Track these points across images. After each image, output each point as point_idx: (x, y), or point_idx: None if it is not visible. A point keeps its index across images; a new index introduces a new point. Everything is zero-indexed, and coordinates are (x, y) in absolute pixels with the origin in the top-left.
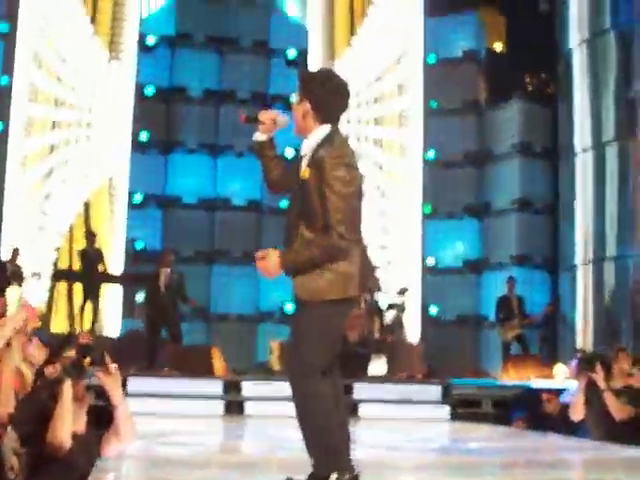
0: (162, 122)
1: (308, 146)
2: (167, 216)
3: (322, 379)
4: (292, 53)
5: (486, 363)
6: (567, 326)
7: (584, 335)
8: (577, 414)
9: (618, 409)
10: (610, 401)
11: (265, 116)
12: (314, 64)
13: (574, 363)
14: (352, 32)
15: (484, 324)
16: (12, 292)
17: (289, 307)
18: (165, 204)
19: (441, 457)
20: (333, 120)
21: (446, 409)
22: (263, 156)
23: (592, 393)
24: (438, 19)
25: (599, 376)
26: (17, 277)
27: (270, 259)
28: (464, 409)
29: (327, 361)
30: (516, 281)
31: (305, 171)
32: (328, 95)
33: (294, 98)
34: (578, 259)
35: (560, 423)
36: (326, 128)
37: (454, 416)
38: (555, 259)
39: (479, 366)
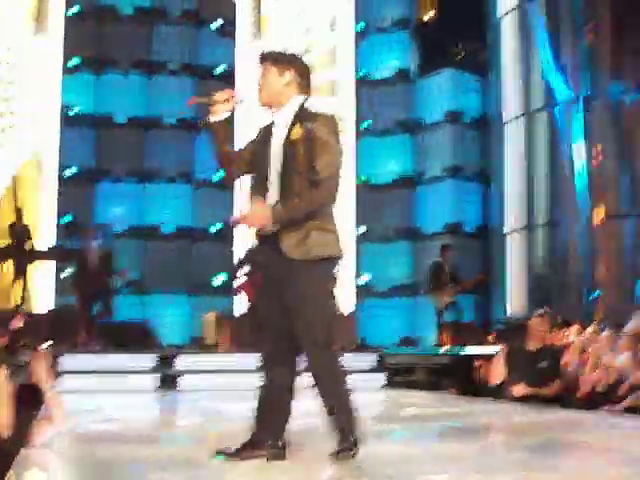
0: (91, 93)
1: (288, 112)
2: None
3: None
4: (221, 23)
5: (420, 331)
6: (499, 293)
7: (517, 300)
8: (496, 378)
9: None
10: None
11: (221, 96)
12: (242, 34)
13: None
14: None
15: (418, 292)
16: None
17: (219, 279)
18: (96, 178)
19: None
20: (308, 91)
21: (381, 377)
22: (219, 136)
23: (512, 359)
24: None
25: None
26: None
27: (258, 211)
28: (399, 377)
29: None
30: (449, 249)
31: (296, 132)
32: (308, 67)
33: (262, 68)
34: (509, 226)
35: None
36: (301, 98)
37: (389, 384)
38: (486, 226)
39: (413, 334)
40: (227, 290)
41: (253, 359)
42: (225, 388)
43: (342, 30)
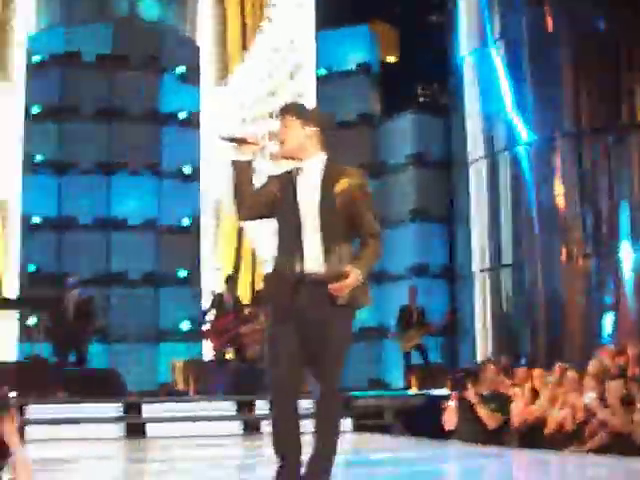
0: (55, 142)
1: (315, 164)
2: (62, 238)
3: None
4: (184, 70)
5: (388, 374)
6: (466, 334)
7: (484, 341)
8: (450, 424)
9: (489, 418)
10: (481, 412)
11: (253, 137)
12: (206, 80)
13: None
14: (245, 47)
15: (385, 335)
16: None
17: (185, 325)
18: (60, 226)
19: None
20: (327, 145)
21: (349, 421)
22: (243, 176)
23: (464, 405)
24: (330, 32)
25: (470, 393)
26: None
27: (351, 277)
28: (367, 420)
29: None
30: (417, 291)
31: (341, 186)
32: (331, 127)
33: (284, 120)
34: (475, 267)
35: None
36: (324, 155)
37: (357, 427)
38: (453, 268)
39: (381, 377)
40: (194, 336)
41: (222, 405)
42: (194, 434)
43: (305, 75)
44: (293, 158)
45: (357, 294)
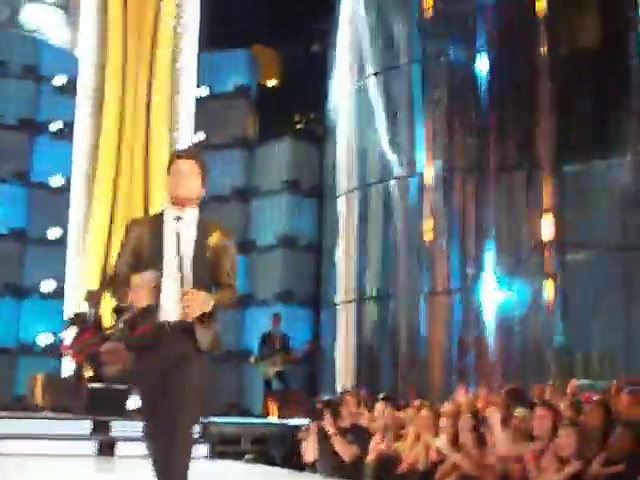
0: None
1: (194, 214)
2: None
3: None
4: (61, 80)
5: (248, 399)
6: (328, 363)
7: (345, 372)
8: (309, 455)
9: (345, 451)
10: (338, 444)
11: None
12: (83, 93)
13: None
14: (124, 65)
15: (247, 360)
16: None
17: (42, 338)
18: None
19: None
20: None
21: (205, 447)
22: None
23: (322, 437)
24: (211, 54)
25: (327, 423)
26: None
27: (199, 295)
28: (223, 447)
29: None
30: (281, 318)
31: (214, 240)
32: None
33: (189, 165)
34: (339, 298)
35: None
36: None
37: (213, 454)
38: (318, 297)
39: (241, 402)
40: (54, 351)
41: (78, 424)
42: (47, 453)
43: (182, 95)
44: (184, 204)
45: (214, 339)
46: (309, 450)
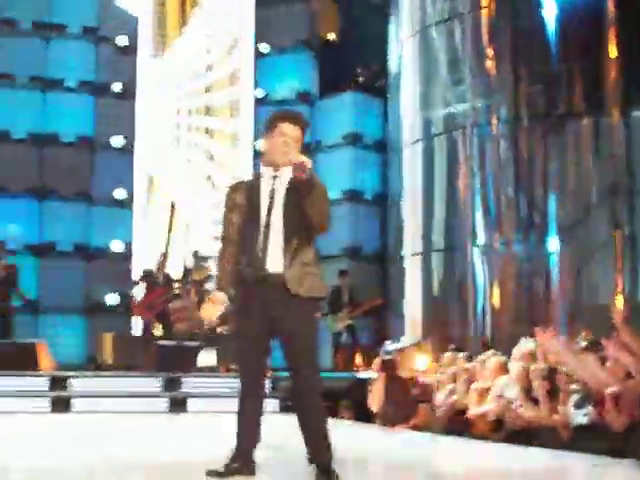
0: None
1: (289, 172)
2: None
3: None
4: (122, 41)
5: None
6: (397, 316)
7: (413, 325)
8: (376, 405)
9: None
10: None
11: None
12: (143, 53)
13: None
14: (183, 21)
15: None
16: None
17: (115, 299)
18: None
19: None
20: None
21: (275, 402)
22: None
23: (392, 388)
24: (269, 8)
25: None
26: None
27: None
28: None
29: None
30: (348, 273)
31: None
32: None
33: (298, 130)
34: (406, 251)
35: None
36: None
37: (283, 409)
38: (384, 250)
39: None
40: (123, 310)
41: (149, 382)
42: (120, 410)
43: (242, 50)
44: (279, 166)
45: (314, 285)
46: (376, 400)
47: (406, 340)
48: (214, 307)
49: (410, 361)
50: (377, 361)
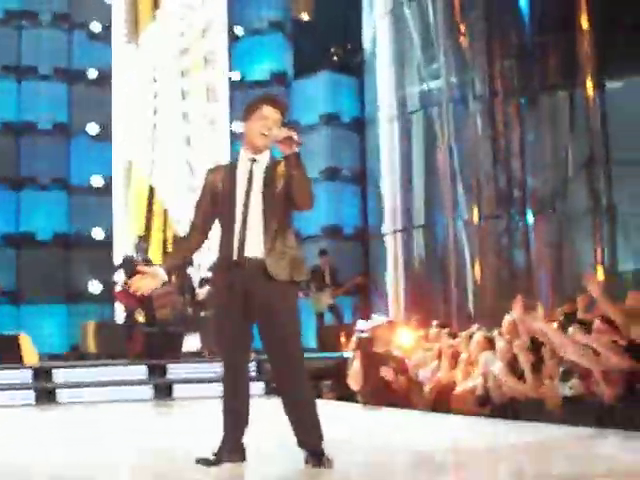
0: None
1: (268, 156)
2: None
3: None
4: (96, 27)
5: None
6: (379, 294)
7: (396, 302)
8: (357, 383)
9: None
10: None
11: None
12: (118, 38)
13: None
14: (156, 5)
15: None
16: None
17: (97, 286)
18: None
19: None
20: None
21: (260, 385)
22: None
23: (369, 365)
24: None
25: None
26: None
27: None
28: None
29: None
30: (328, 253)
31: (281, 167)
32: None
33: (278, 115)
34: (387, 228)
35: None
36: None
37: (268, 391)
38: (365, 228)
39: None
40: (105, 297)
41: (133, 369)
42: (105, 400)
43: (216, 32)
44: (258, 151)
45: (294, 269)
46: (357, 378)
47: (379, 318)
48: (148, 280)
49: (385, 338)
50: (353, 340)
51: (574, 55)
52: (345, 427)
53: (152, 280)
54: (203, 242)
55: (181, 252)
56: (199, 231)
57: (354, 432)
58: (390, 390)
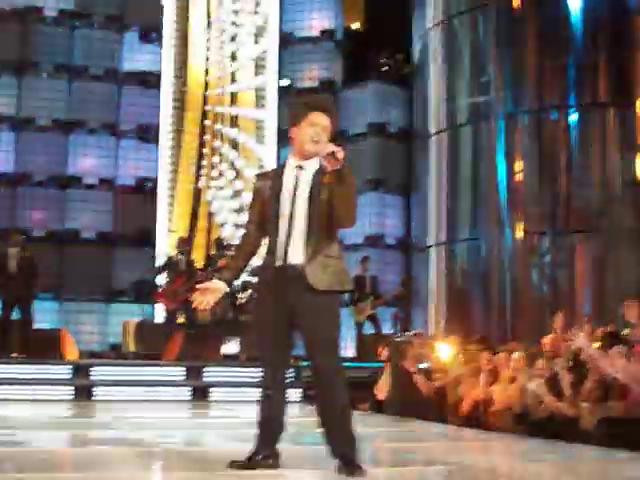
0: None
1: (315, 163)
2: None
3: None
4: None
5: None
6: (420, 306)
7: (436, 315)
8: (382, 393)
9: (424, 385)
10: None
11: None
12: (168, 41)
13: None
14: (208, 9)
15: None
16: None
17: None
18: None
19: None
20: None
21: (298, 392)
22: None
23: (399, 375)
24: None
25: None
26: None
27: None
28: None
29: None
30: (370, 260)
31: (327, 178)
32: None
33: (327, 120)
34: (431, 240)
35: None
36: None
37: (305, 398)
38: (408, 239)
39: None
40: (147, 297)
41: (172, 370)
42: (142, 399)
43: (267, 39)
44: (306, 157)
45: (336, 279)
46: (383, 389)
47: (413, 332)
48: (209, 296)
49: (415, 353)
50: (384, 351)
51: (626, 72)
52: (381, 440)
53: (213, 295)
54: (261, 241)
55: (242, 257)
56: (257, 230)
57: (392, 446)
58: (420, 402)
